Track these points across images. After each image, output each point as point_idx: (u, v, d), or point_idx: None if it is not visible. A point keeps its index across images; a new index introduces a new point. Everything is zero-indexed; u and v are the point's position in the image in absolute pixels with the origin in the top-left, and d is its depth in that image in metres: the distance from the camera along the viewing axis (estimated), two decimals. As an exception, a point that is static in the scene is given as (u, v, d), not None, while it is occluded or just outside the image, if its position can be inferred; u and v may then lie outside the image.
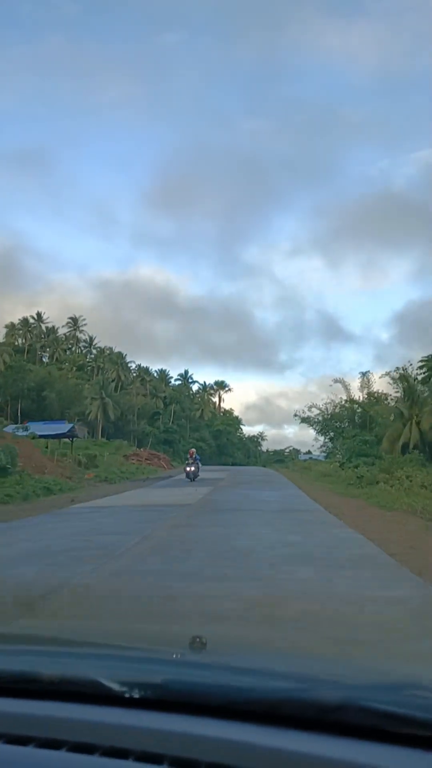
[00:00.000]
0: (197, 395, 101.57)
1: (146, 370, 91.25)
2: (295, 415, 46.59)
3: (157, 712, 1.14)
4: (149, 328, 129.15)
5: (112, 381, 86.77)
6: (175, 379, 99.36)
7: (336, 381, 45.11)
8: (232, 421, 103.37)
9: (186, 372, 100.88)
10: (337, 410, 44.13)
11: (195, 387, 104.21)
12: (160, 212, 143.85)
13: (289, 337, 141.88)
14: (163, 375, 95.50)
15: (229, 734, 1.07)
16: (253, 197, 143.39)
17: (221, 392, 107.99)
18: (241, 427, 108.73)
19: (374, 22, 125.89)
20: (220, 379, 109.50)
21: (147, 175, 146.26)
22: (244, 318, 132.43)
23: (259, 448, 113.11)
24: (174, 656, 1.52)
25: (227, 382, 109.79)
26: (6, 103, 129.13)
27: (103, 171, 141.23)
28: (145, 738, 1.08)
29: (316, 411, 44.92)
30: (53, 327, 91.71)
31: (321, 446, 48.31)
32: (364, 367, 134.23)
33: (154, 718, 1.13)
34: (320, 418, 45.24)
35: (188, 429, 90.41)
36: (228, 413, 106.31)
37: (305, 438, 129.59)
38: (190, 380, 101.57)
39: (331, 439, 46.14)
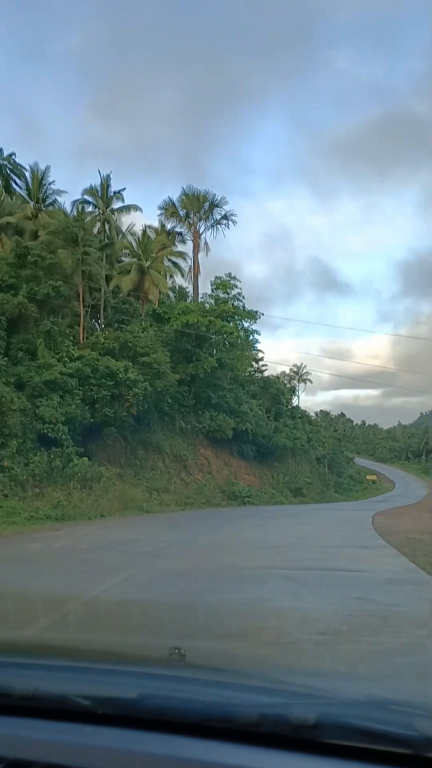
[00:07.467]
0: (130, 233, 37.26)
1: None
2: None
3: (130, 730, 1.12)
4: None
5: None
6: (86, 193, 36.77)
7: None
8: (232, 305, 38.18)
9: (106, 178, 36.28)
10: None
11: (136, 226, 41.36)
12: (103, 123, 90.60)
13: (280, 290, 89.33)
14: (35, 175, 33.31)
15: (205, 755, 1.06)
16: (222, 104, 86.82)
17: (205, 221, 42.96)
18: (257, 335, 45.33)
19: None
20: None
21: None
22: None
23: (305, 415, 54.50)
24: (150, 669, 1.46)
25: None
26: None
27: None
28: (117, 759, 1.06)
29: None
30: None
31: None
32: (365, 326, 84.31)
33: (127, 736, 1.11)
34: None
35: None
36: (227, 286, 40.60)
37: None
38: (111, 195, 36.55)
39: None
